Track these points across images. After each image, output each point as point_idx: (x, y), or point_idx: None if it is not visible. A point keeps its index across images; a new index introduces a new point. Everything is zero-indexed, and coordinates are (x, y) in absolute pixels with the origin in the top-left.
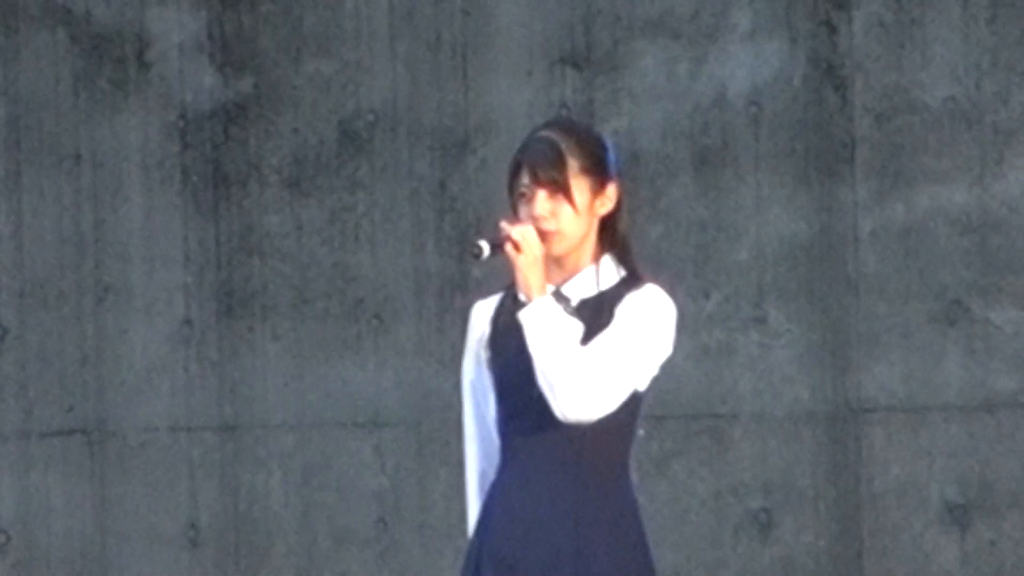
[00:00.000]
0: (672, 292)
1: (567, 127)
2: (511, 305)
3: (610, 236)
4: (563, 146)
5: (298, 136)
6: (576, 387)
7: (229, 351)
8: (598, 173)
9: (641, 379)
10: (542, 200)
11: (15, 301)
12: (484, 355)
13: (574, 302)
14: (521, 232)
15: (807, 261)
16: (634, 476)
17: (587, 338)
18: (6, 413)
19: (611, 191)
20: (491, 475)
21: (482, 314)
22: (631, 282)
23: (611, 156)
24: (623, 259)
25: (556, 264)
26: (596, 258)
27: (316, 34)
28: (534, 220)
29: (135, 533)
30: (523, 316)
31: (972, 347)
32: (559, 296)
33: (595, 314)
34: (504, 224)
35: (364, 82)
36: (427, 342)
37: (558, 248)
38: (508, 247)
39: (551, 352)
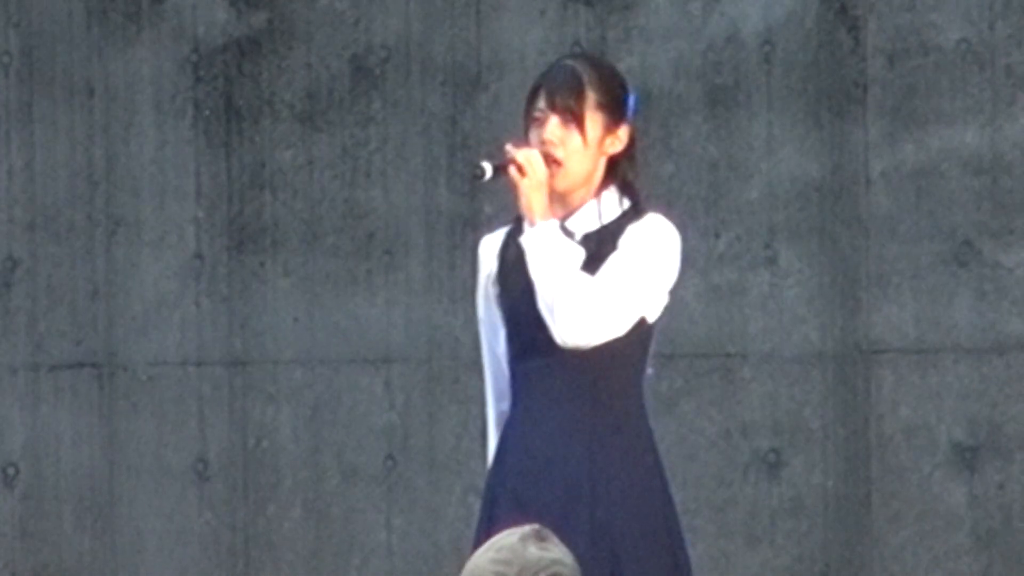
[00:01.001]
0: (682, 231)
1: (593, 61)
2: (518, 236)
3: (617, 178)
4: (584, 77)
5: (311, 71)
6: (575, 310)
7: (239, 286)
8: (614, 111)
9: (646, 306)
10: (554, 126)
11: (26, 234)
12: (492, 291)
13: (577, 237)
14: (526, 155)
15: (818, 201)
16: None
17: (590, 270)
18: (16, 345)
19: (623, 132)
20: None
21: (489, 249)
22: (633, 214)
23: (630, 99)
24: (627, 191)
25: (560, 199)
26: (599, 192)
27: None
28: (542, 144)
29: (144, 467)
30: (525, 240)
31: (983, 289)
32: (563, 231)
33: (599, 246)
34: (509, 147)
35: (377, 18)
36: (438, 278)
37: (561, 184)
38: (512, 170)
39: (551, 275)
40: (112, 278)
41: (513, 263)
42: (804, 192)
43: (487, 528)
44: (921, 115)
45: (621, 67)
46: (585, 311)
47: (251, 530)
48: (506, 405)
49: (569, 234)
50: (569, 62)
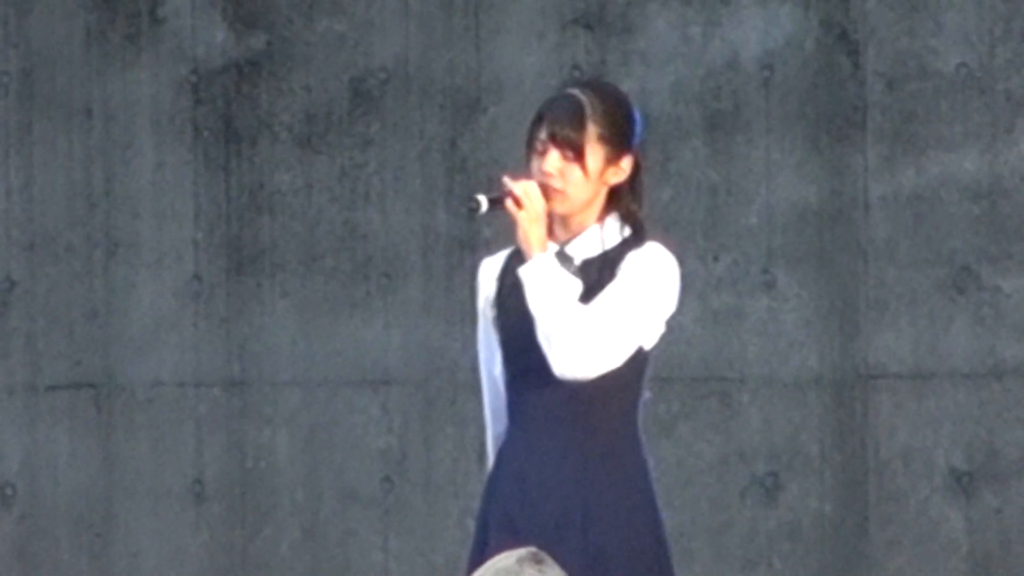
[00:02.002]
0: (681, 255)
1: (599, 91)
2: (517, 263)
3: (619, 204)
4: (588, 110)
5: (310, 93)
6: (574, 343)
7: (237, 307)
8: (616, 143)
9: (644, 336)
10: (554, 158)
11: (24, 254)
12: (490, 313)
13: (577, 261)
14: (524, 187)
15: (817, 226)
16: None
17: (589, 297)
18: (14, 366)
19: (626, 163)
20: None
21: (489, 272)
22: (633, 241)
23: (636, 128)
24: (628, 219)
25: (561, 223)
26: (601, 218)
27: None
28: (542, 175)
29: (141, 488)
30: (523, 272)
31: (980, 314)
32: (562, 256)
33: (598, 273)
34: (507, 179)
35: (376, 40)
36: (435, 301)
37: (561, 208)
38: (509, 202)
39: (550, 308)
40: (110, 299)
41: (512, 287)
42: (803, 217)
43: (481, 551)
44: (920, 140)
45: None
46: (583, 344)
47: (248, 552)
48: (503, 427)
49: (568, 259)
50: (574, 92)
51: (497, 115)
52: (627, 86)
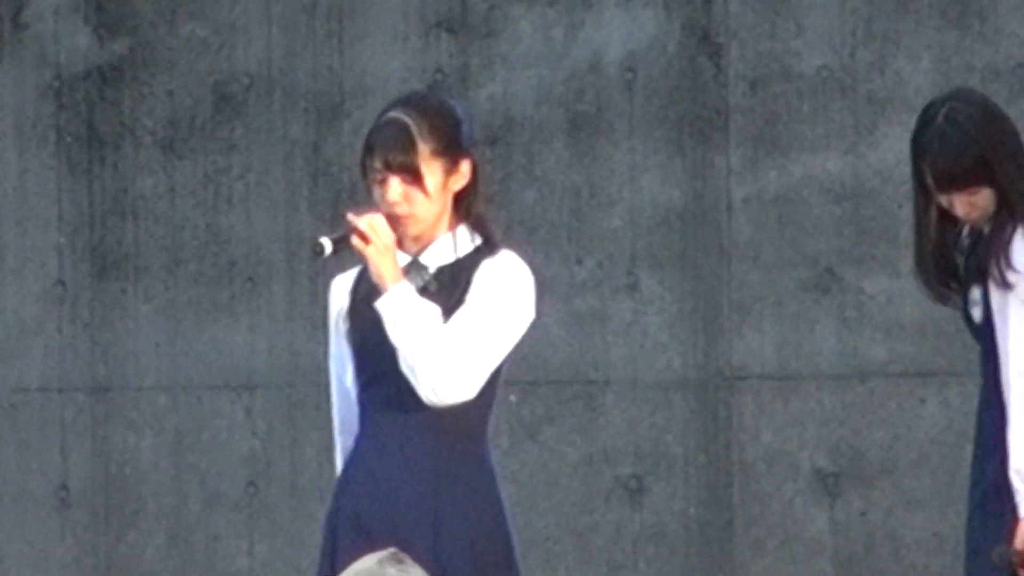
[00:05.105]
0: (545, 258)
1: (419, 107)
2: (369, 278)
3: (465, 208)
4: (415, 131)
5: (173, 98)
6: (439, 372)
7: (101, 312)
8: (451, 152)
9: (505, 352)
10: (395, 186)
11: None
12: (343, 327)
13: (432, 269)
14: (368, 221)
15: (680, 228)
16: (502, 441)
17: (446, 305)
18: None
19: (465, 167)
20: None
21: (341, 288)
22: (486, 249)
23: (465, 129)
24: (479, 227)
25: (412, 236)
26: (452, 227)
27: None
28: (388, 205)
29: (5, 493)
30: (380, 306)
31: (844, 316)
32: (417, 265)
33: (453, 281)
34: (350, 216)
35: (239, 45)
36: (299, 305)
37: (414, 230)
38: (354, 239)
39: (412, 340)
40: None
41: (363, 299)
42: (666, 219)
43: (332, 553)
44: (783, 142)
45: (483, 94)
46: (448, 372)
47: (113, 556)
48: (352, 439)
49: (423, 267)
50: (397, 115)
51: (361, 119)
52: (490, 89)
